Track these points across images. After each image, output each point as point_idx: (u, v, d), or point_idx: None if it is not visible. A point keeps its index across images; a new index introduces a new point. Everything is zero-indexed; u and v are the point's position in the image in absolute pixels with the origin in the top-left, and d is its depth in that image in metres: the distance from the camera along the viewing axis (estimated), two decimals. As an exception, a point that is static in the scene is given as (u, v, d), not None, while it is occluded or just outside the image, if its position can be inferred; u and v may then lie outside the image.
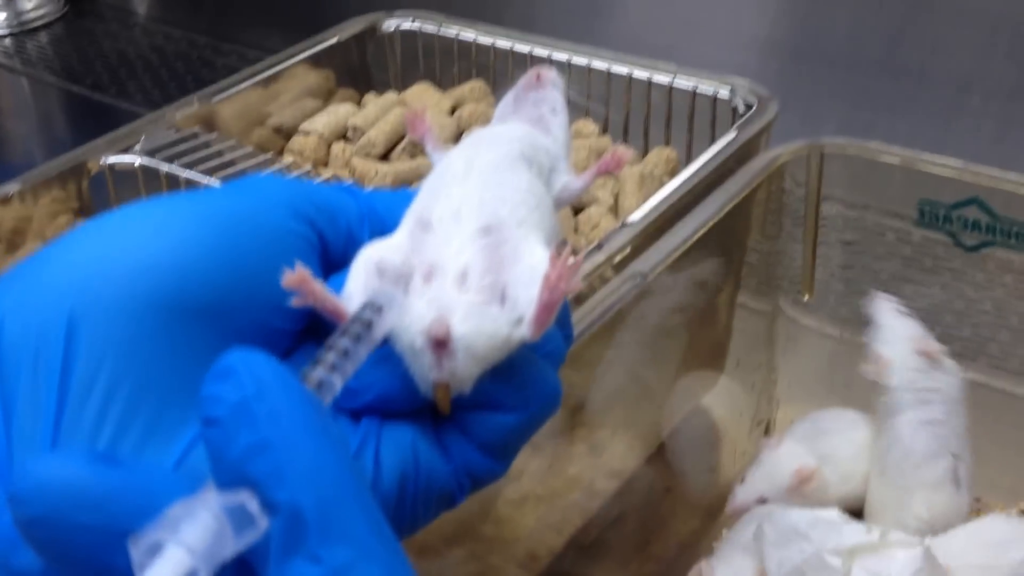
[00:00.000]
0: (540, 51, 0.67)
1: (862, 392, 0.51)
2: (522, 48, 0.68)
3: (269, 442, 0.19)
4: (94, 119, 0.89)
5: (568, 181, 0.30)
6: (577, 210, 0.58)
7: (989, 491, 0.53)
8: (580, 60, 0.65)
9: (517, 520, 0.43)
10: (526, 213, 0.26)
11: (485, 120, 0.66)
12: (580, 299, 0.45)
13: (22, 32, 1.04)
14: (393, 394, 0.24)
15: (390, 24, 0.72)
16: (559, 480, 0.44)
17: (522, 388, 0.25)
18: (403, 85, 0.72)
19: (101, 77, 0.94)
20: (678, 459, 0.50)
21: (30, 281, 0.23)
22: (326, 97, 0.70)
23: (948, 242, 0.51)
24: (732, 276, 0.54)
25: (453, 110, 0.67)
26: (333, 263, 0.26)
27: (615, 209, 0.58)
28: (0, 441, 0.22)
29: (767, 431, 0.53)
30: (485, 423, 0.25)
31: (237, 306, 0.24)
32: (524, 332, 0.24)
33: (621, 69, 0.64)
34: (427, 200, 0.26)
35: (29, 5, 1.07)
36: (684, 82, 0.62)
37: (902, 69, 0.71)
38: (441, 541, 0.40)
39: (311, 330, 0.26)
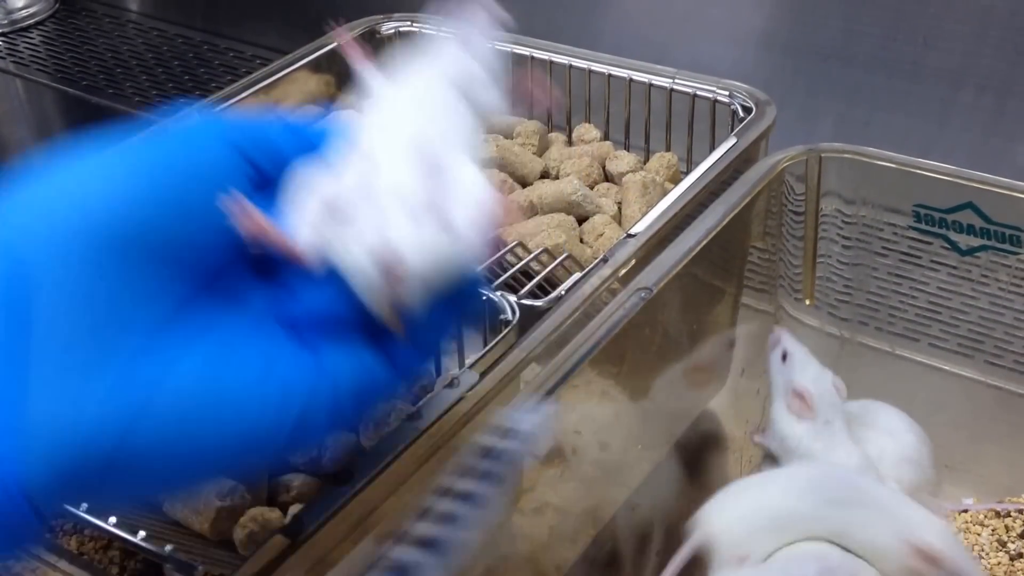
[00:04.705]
0: (540, 55, 0.68)
1: (864, 392, 0.52)
2: (522, 51, 0.68)
3: None
4: (92, 123, 0.88)
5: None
6: (581, 219, 0.59)
7: (984, 486, 0.54)
8: (580, 63, 0.66)
9: (531, 533, 0.44)
10: (460, 138, 0.28)
11: (487, 126, 0.66)
12: (588, 313, 0.46)
13: (13, 31, 1.03)
14: (344, 313, 0.27)
15: (389, 27, 0.73)
16: (571, 490, 0.46)
17: (459, 300, 0.28)
18: (403, 88, 0.72)
19: (96, 78, 0.94)
20: (686, 467, 0.51)
21: None
22: (327, 104, 0.71)
23: (943, 246, 0.53)
24: (734, 280, 0.55)
25: (454, 116, 0.68)
26: (267, 186, 0.28)
27: (618, 217, 0.59)
28: None
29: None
30: (426, 333, 0.28)
31: (181, 239, 0.26)
32: (467, 256, 0.27)
33: (621, 73, 0.65)
34: (367, 130, 0.28)
35: (20, 3, 1.06)
36: (683, 86, 0.63)
37: (895, 64, 0.71)
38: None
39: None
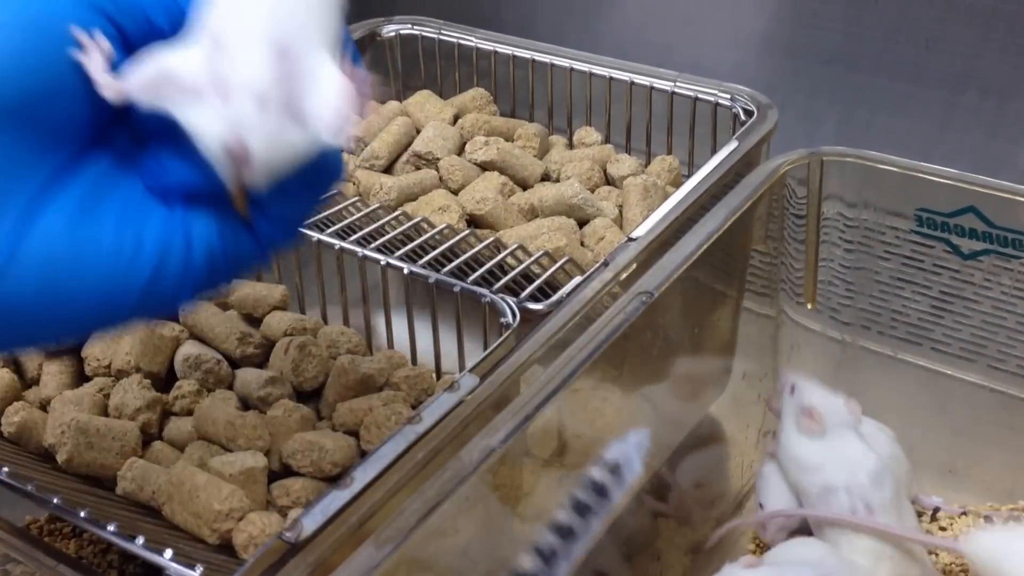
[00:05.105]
0: (541, 57, 0.68)
1: (866, 396, 0.52)
2: (523, 54, 0.68)
3: None
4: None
5: None
6: (582, 223, 0.59)
7: (986, 492, 0.54)
8: (581, 67, 0.66)
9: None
10: (316, 27, 0.28)
11: (488, 129, 0.66)
12: (589, 317, 0.46)
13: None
14: (200, 186, 0.28)
15: (390, 30, 0.73)
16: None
17: (313, 179, 0.29)
18: (404, 91, 0.72)
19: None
20: (687, 471, 0.51)
21: None
22: None
23: (946, 249, 0.53)
24: (736, 284, 0.55)
25: (455, 119, 0.68)
26: (134, 52, 0.28)
27: (619, 221, 0.59)
28: None
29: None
30: (283, 207, 0.30)
31: (48, 104, 0.26)
32: (318, 144, 0.27)
33: (622, 76, 0.65)
34: (221, 13, 0.28)
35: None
36: (685, 89, 0.63)
37: (897, 67, 0.71)
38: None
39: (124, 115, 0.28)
